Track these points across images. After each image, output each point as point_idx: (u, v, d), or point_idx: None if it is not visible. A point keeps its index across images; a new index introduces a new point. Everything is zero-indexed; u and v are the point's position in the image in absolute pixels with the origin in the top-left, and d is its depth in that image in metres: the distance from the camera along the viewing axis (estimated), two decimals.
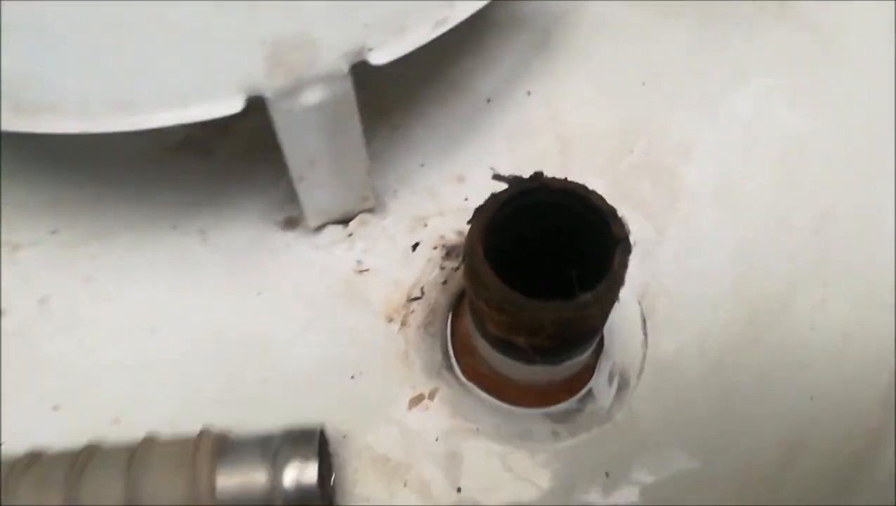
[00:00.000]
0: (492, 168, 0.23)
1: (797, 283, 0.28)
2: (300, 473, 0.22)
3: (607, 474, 0.25)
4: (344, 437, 0.25)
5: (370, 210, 0.29)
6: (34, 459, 0.23)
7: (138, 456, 0.23)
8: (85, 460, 0.23)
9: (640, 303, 0.28)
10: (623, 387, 0.26)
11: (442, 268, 0.29)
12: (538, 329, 0.21)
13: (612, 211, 0.22)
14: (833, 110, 0.33)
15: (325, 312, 0.28)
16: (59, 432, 0.26)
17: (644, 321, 0.28)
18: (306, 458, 0.23)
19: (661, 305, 0.28)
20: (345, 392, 0.26)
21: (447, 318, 0.28)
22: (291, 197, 0.30)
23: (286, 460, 0.23)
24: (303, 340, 0.28)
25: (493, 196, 0.23)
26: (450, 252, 0.29)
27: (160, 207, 0.30)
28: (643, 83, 0.33)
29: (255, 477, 0.22)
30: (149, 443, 0.24)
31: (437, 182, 0.31)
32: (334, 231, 0.29)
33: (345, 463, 0.25)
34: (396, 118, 0.32)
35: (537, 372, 0.24)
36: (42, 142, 0.32)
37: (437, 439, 0.25)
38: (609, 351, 0.27)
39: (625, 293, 0.28)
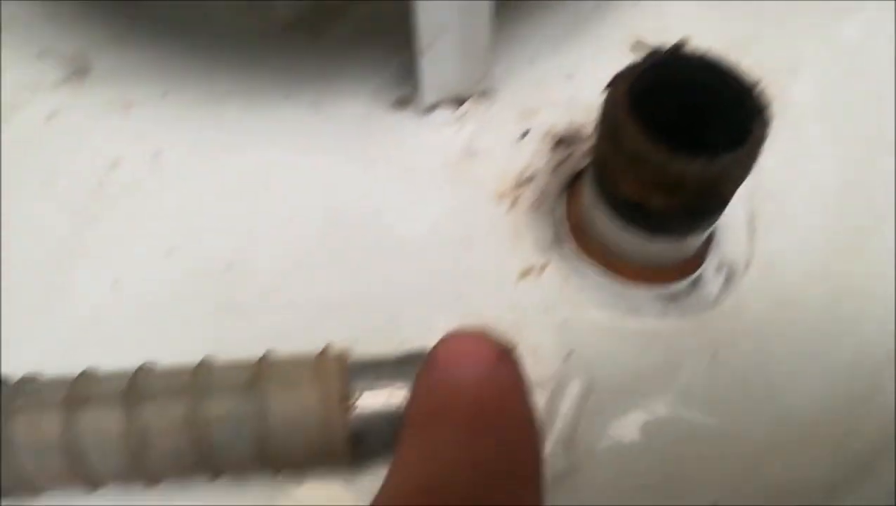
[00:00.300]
0: (636, 35, 0.23)
1: None
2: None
3: (714, 356, 0.25)
4: (457, 299, 0.26)
5: (482, 95, 0.30)
6: (143, 372, 0.22)
7: (258, 371, 0.22)
8: (206, 372, 0.22)
9: (748, 203, 0.28)
10: (731, 278, 0.27)
11: (552, 156, 0.29)
12: (679, 187, 0.21)
13: (753, 84, 0.22)
14: None
15: (434, 189, 0.28)
16: (171, 277, 0.26)
17: (752, 220, 0.28)
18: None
19: (768, 208, 0.28)
20: (454, 264, 0.27)
21: (558, 199, 0.28)
22: (403, 78, 0.30)
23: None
24: (412, 213, 0.28)
25: (633, 64, 0.23)
26: (560, 141, 0.29)
27: (271, 78, 0.30)
28: (753, 2, 0.33)
29: (393, 397, 0.21)
30: (266, 361, 0.22)
31: (546, 77, 0.31)
32: (445, 113, 0.29)
33: (458, 320, 0.25)
34: (507, 16, 0.32)
35: (656, 248, 0.25)
36: (157, 9, 0.32)
37: (546, 309, 0.26)
38: (719, 243, 0.27)
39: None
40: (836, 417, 0.25)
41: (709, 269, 0.27)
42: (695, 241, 0.25)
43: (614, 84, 0.23)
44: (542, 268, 0.26)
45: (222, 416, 0.21)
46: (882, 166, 0.29)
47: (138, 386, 0.21)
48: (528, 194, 0.28)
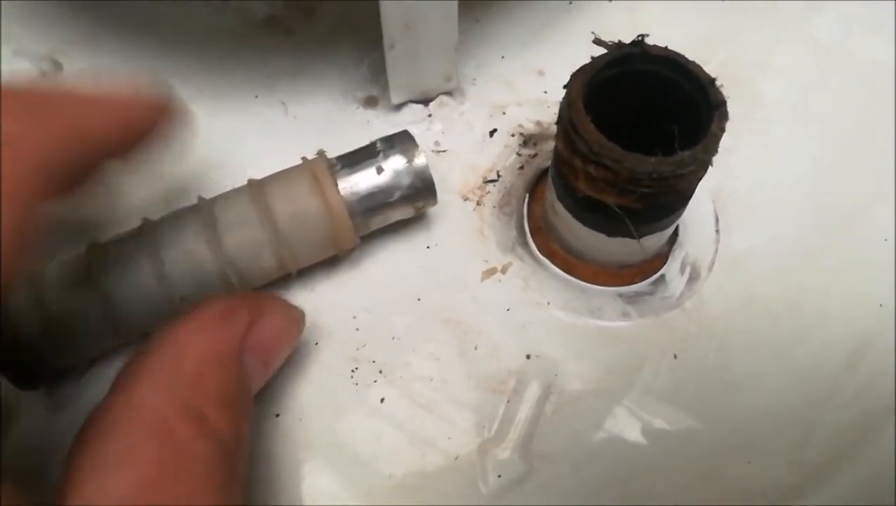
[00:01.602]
0: (593, 32, 0.23)
1: (873, 197, 0.28)
2: (410, 159, 0.25)
3: (675, 356, 0.25)
4: (418, 299, 0.26)
5: (450, 93, 0.30)
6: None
7: (258, 187, 0.24)
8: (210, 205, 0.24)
9: (713, 203, 0.28)
10: (694, 278, 0.27)
11: (518, 154, 0.29)
12: (633, 186, 0.21)
13: (711, 79, 0.22)
14: None
15: None
16: None
17: (717, 219, 0.28)
18: (410, 148, 0.25)
19: (733, 207, 0.28)
20: (418, 260, 0.27)
21: (523, 199, 0.28)
22: (373, 77, 0.31)
23: (395, 153, 0.25)
24: None
25: (594, 59, 0.23)
26: (527, 140, 0.29)
27: (241, 78, 0.31)
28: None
29: (370, 174, 0.24)
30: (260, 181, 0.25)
31: (516, 74, 0.31)
32: (414, 111, 0.29)
33: (417, 321, 0.25)
34: (479, 12, 0.32)
35: (615, 247, 0.25)
36: (129, 8, 0.32)
37: (508, 310, 0.26)
38: (683, 242, 0.27)
39: (699, 191, 0.28)
40: (796, 418, 0.25)
41: (672, 269, 0.27)
42: (656, 240, 0.25)
43: (573, 78, 0.23)
44: (505, 268, 0.27)
45: (238, 234, 0.23)
46: (851, 165, 0.29)
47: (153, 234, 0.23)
48: (494, 194, 0.28)
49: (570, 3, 0.33)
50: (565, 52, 0.31)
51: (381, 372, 0.25)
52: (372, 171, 0.25)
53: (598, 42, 0.23)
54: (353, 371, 0.25)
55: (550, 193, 0.25)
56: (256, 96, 0.30)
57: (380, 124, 0.29)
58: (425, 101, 0.29)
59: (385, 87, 0.29)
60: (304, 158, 0.25)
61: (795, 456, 0.24)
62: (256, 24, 0.32)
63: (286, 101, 0.30)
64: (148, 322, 0.23)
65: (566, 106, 0.22)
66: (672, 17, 0.33)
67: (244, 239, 0.23)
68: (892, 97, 0.31)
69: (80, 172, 0.17)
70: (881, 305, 0.26)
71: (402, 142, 0.25)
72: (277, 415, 0.24)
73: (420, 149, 0.25)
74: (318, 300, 0.26)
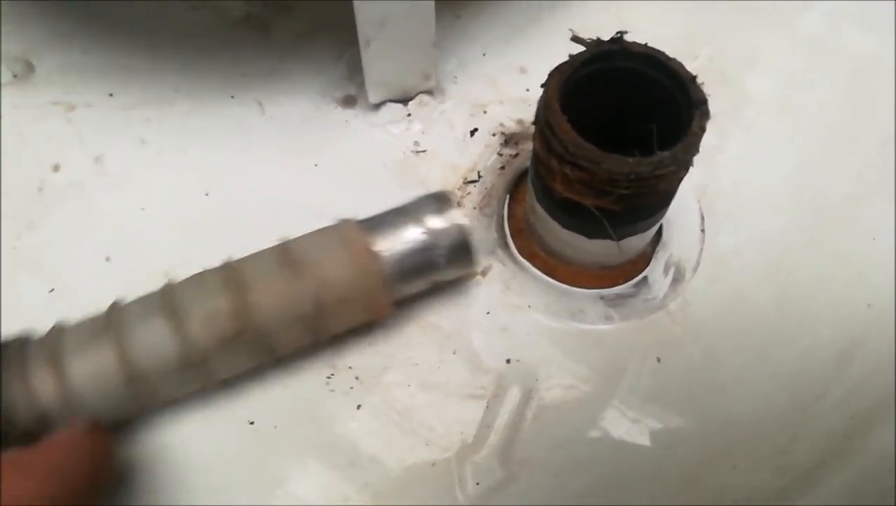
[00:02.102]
0: (571, 30, 0.23)
1: (860, 194, 0.28)
2: (450, 219, 0.23)
3: (659, 359, 0.25)
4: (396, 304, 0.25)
5: (429, 92, 0.29)
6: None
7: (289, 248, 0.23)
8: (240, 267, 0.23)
9: (699, 201, 0.28)
10: (678, 279, 0.26)
11: (500, 154, 0.28)
12: (610, 187, 0.21)
13: (692, 76, 0.22)
14: None
15: (380, 187, 0.28)
16: (112, 283, 0.26)
17: (702, 218, 0.27)
18: (447, 206, 0.23)
19: (720, 205, 0.28)
20: None
21: (504, 201, 0.27)
22: (351, 75, 0.30)
23: (433, 213, 0.23)
24: (356, 212, 0.27)
25: (572, 57, 0.22)
26: (508, 140, 0.29)
27: (218, 78, 0.30)
28: None
29: (409, 233, 0.23)
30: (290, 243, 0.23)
31: (498, 72, 0.30)
32: (393, 110, 0.29)
33: (395, 326, 0.25)
34: (459, 9, 0.31)
35: (596, 249, 0.24)
36: (103, 8, 0.32)
37: (488, 313, 0.25)
38: (667, 243, 0.26)
39: (684, 190, 0.28)
40: (782, 422, 0.24)
41: (655, 270, 0.26)
42: (637, 242, 0.24)
43: (551, 77, 0.22)
44: (486, 271, 0.26)
45: (267, 301, 0.22)
46: (839, 162, 0.29)
47: (172, 299, 0.22)
48: (474, 195, 0.27)
49: None
50: (549, 49, 0.30)
51: (357, 378, 0.24)
52: (409, 230, 0.23)
53: (576, 39, 0.22)
54: (329, 378, 0.24)
55: (530, 195, 0.25)
56: (232, 96, 0.29)
57: (358, 124, 0.29)
58: (404, 101, 0.29)
59: (363, 85, 0.28)
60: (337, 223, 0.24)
61: (781, 460, 0.24)
62: (233, 22, 0.31)
63: (262, 102, 0.29)
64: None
65: (542, 106, 0.21)
66: (658, 13, 0.32)
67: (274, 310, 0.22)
68: (880, 93, 0.30)
69: None
70: (869, 306, 0.26)
71: (439, 201, 0.24)
72: (252, 422, 0.24)
73: (457, 207, 0.24)
74: None
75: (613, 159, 0.20)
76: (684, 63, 0.31)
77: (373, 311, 0.23)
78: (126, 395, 0.21)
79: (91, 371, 0.21)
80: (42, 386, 0.21)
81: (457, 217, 0.23)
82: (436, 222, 0.23)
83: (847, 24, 0.31)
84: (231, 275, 0.22)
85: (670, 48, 0.32)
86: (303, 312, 0.22)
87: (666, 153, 0.20)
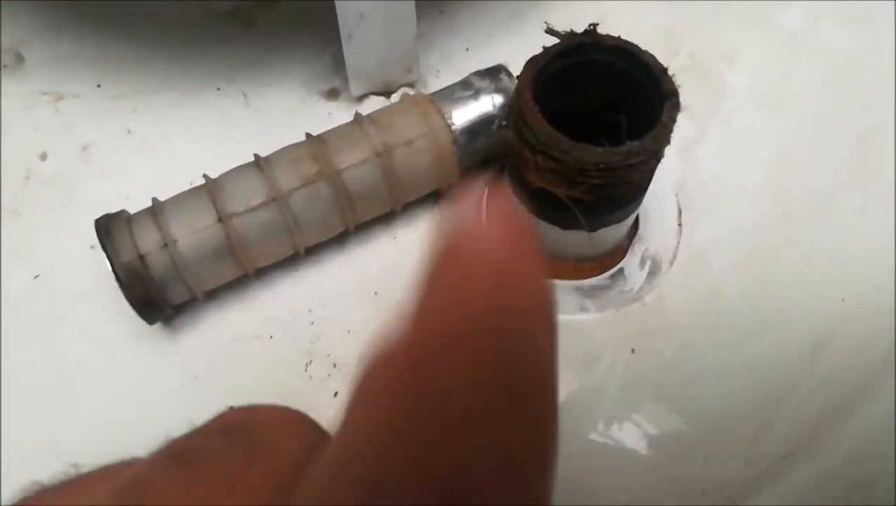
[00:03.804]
0: (545, 22, 0.23)
1: (836, 188, 0.28)
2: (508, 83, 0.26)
3: (633, 351, 0.25)
4: (375, 293, 0.26)
5: (412, 85, 0.29)
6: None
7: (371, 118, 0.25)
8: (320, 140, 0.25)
9: (676, 195, 0.28)
10: (654, 271, 0.26)
11: None
12: (582, 177, 0.21)
13: (663, 68, 0.22)
14: (881, 30, 0.32)
15: None
16: (96, 270, 0.26)
17: (680, 212, 0.27)
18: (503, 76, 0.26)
19: (697, 198, 0.28)
20: (380, 254, 0.27)
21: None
22: (335, 69, 0.30)
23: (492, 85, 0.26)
24: None
25: (546, 48, 0.23)
26: None
27: (204, 69, 0.30)
28: None
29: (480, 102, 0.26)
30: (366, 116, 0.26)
31: (480, 66, 0.30)
32: (376, 103, 0.29)
33: (373, 315, 0.25)
34: (443, 4, 0.32)
35: (571, 239, 0.24)
36: (91, 1, 0.32)
37: None
38: (643, 236, 0.27)
39: (662, 184, 0.28)
40: (753, 413, 0.24)
41: (631, 262, 0.26)
42: (613, 233, 0.25)
43: (525, 68, 0.22)
44: None
45: (354, 162, 0.24)
46: (817, 157, 0.29)
47: (265, 164, 0.24)
48: (454, 188, 0.28)
49: None
50: (531, 45, 0.30)
51: (335, 366, 0.25)
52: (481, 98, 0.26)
53: (550, 31, 0.23)
54: (307, 365, 0.25)
55: (508, 187, 0.25)
56: (218, 88, 0.30)
57: (341, 116, 0.29)
58: (387, 93, 0.29)
59: (347, 79, 0.29)
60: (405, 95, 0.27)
61: (752, 452, 0.24)
62: (220, 15, 0.32)
63: (247, 93, 0.30)
64: (266, 251, 0.24)
65: (515, 96, 0.22)
66: (640, 8, 0.32)
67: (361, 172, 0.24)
68: (857, 88, 0.30)
69: None
70: (843, 300, 0.26)
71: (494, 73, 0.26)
72: (231, 408, 0.24)
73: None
74: (275, 296, 0.26)
75: (583, 149, 0.20)
76: (665, 59, 0.32)
77: (441, 166, 0.25)
78: (221, 241, 0.23)
79: (188, 218, 0.23)
80: (145, 232, 0.23)
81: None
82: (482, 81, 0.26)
83: (825, 21, 0.32)
84: (313, 141, 0.25)
85: (651, 44, 0.32)
86: (374, 151, 0.24)
87: (635, 143, 0.21)
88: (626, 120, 0.23)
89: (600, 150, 0.20)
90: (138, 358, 0.25)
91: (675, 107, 0.21)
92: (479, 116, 0.25)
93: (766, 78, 0.30)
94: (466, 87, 0.26)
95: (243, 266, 0.24)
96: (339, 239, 0.26)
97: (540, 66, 0.22)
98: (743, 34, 0.31)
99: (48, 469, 0.13)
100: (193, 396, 0.24)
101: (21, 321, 0.25)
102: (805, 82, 0.30)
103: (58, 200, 0.28)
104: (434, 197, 0.27)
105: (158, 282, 0.23)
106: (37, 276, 0.26)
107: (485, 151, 0.26)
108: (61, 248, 0.27)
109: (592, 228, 0.23)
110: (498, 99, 0.25)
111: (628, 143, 0.21)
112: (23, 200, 0.28)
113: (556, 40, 0.23)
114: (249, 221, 0.23)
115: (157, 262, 0.23)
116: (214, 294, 0.25)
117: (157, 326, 0.25)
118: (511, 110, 0.22)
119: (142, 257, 0.23)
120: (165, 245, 0.23)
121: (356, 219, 0.25)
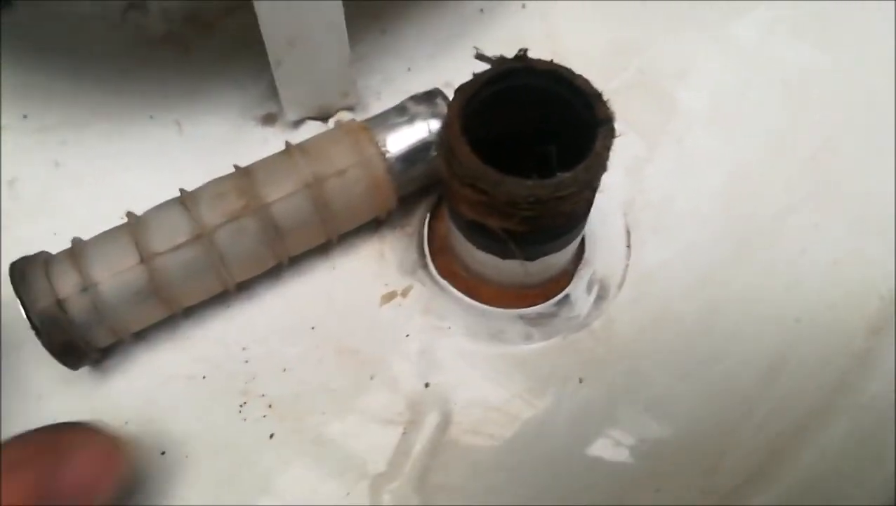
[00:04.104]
0: (475, 47, 0.22)
1: (790, 206, 0.27)
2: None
3: (581, 380, 0.24)
4: (312, 328, 0.25)
5: (351, 108, 0.28)
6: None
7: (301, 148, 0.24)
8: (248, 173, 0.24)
9: (625, 215, 0.27)
10: (602, 296, 0.26)
11: None
12: (513, 210, 0.20)
13: (597, 94, 0.21)
14: (836, 44, 0.31)
15: None
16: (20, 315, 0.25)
17: (628, 233, 0.27)
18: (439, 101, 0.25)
19: (646, 219, 0.27)
20: (316, 286, 0.26)
21: (424, 219, 0.27)
22: (272, 93, 0.29)
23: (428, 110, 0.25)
24: None
25: (476, 74, 0.22)
26: None
27: (136, 98, 0.29)
28: (643, 4, 0.32)
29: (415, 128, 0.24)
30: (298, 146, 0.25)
31: (423, 87, 0.29)
32: (313, 127, 0.28)
33: (310, 351, 0.24)
34: (386, 23, 0.31)
35: (512, 269, 0.23)
36: (18, 27, 0.31)
37: (407, 336, 0.25)
38: (590, 259, 0.26)
39: (609, 204, 0.27)
40: (707, 441, 0.24)
41: (578, 287, 0.25)
42: (553, 260, 0.24)
43: (454, 96, 0.21)
44: (406, 292, 0.25)
45: (282, 196, 0.23)
46: (769, 175, 0.28)
47: (190, 200, 0.23)
48: (395, 213, 0.27)
49: (482, 11, 0.31)
50: (474, 65, 0.30)
51: (270, 406, 0.24)
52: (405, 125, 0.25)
53: (479, 57, 0.22)
54: (241, 406, 0.24)
55: (448, 215, 0.24)
56: (151, 117, 0.29)
57: (277, 142, 0.28)
58: (324, 118, 0.28)
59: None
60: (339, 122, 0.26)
61: (707, 482, 0.23)
62: (154, 40, 0.31)
63: (181, 121, 0.29)
64: (192, 289, 0.23)
65: (444, 127, 0.21)
66: (587, 23, 0.31)
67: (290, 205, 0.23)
68: (812, 104, 0.30)
69: None
70: (797, 320, 0.25)
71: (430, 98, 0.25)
72: (163, 453, 0.23)
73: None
74: (206, 334, 0.25)
75: (512, 182, 0.20)
76: (614, 75, 0.31)
77: (376, 195, 0.24)
78: (143, 282, 0.22)
79: (109, 259, 0.22)
80: (63, 276, 0.22)
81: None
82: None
83: (778, 35, 0.31)
84: (240, 174, 0.24)
85: (600, 60, 0.31)
86: (304, 182, 0.23)
87: (567, 174, 0.20)
88: (563, 147, 0.22)
89: (529, 182, 0.19)
90: (68, 404, 0.24)
91: (609, 134, 0.20)
92: (415, 143, 0.24)
93: (719, 94, 0.30)
94: (401, 113, 0.25)
95: (170, 306, 0.23)
96: (274, 272, 0.25)
97: (469, 94, 0.21)
98: (694, 49, 0.31)
99: None
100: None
101: None
102: (758, 98, 0.30)
103: None
104: (373, 225, 0.26)
105: (80, 326, 0.22)
106: None
107: (424, 178, 0.25)
108: None
109: (531, 257, 0.22)
110: (434, 124, 0.24)
111: (559, 174, 0.20)
112: None
113: (486, 66, 0.22)
114: (173, 261, 0.22)
115: (78, 306, 0.22)
116: (144, 334, 0.24)
117: (84, 370, 0.24)
118: (441, 141, 0.21)
119: (60, 303, 0.22)
120: (86, 289, 0.22)
121: (288, 252, 0.24)
